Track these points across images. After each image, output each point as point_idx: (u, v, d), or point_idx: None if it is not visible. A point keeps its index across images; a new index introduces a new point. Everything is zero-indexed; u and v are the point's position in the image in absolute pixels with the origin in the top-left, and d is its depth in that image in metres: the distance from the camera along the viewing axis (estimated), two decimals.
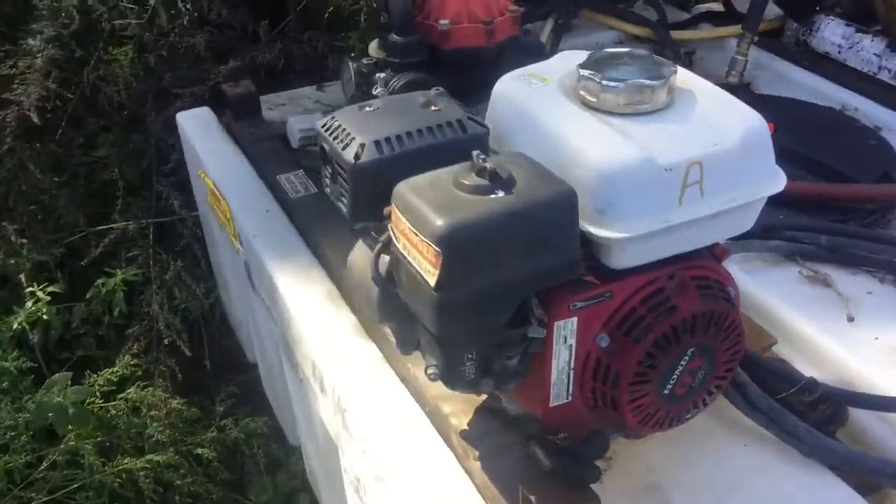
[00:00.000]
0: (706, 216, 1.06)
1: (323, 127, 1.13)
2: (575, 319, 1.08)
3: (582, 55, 1.21)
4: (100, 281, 2.32)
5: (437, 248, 0.91)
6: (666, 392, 1.14)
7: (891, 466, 1.25)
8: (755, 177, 1.08)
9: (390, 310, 1.12)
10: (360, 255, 1.17)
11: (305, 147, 1.98)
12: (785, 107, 2.15)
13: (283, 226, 1.80)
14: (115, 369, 2.14)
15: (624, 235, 1.01)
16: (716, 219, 1.07)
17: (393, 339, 1.17)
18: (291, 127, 1.96)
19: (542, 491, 1.11)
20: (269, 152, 2.03)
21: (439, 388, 1.20)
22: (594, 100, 1.08)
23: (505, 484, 1.17)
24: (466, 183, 0.96)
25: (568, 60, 1.21)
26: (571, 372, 1.12)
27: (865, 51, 2.24)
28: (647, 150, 1.01)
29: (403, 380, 1.41)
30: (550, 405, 1.14)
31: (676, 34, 2.46)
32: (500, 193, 0.95)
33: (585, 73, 1.09)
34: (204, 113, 2.24)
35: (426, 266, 0.94)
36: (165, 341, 2.25)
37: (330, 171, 1.13)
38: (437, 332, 0.96)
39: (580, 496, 1.10)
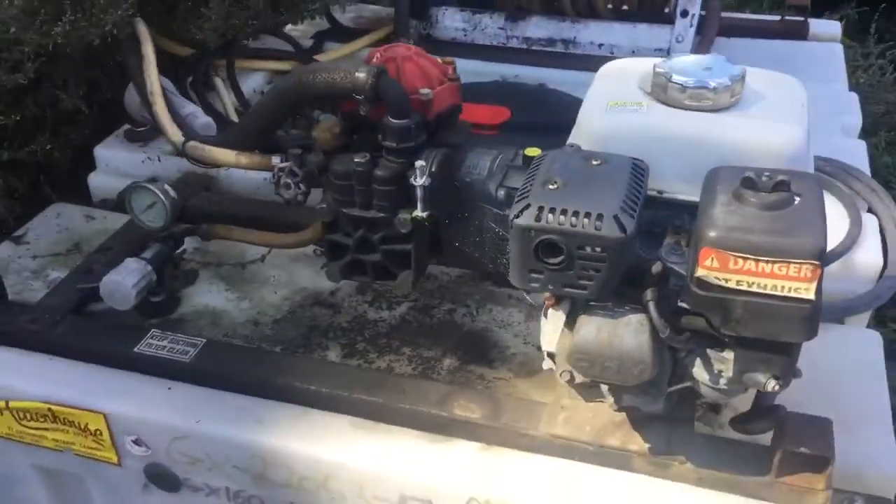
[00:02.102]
0: None
1: (540, 219, 1.03)
2: None
3: (622, 69, 1.30)
4: None
5: (815, 263, 0.97)
6: None
7: None
8: None
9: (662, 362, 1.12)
10: (597, 328, 1.11)
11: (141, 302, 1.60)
12: (491, 91, 2.37)
13: (213, 396, 1.47)
14: None
15: None
16: None
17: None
18: (117, 286, 1.55)
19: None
20: (78, 331, 1.58)
21: None
22: (710, 102, 1.19)
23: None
24: (770, 201, 1.01)
25: (617, 79, 1.29)
26: None
27: (490, 27, 2.58)
28: (797, 124, 1.18)
29: None
30: None
31: (322, 58, 2.48)
32: (798, 199, 1.03)
33: (690, 82, 1.19)
34: None
35: (795, 285, 0.98)
36: None
37: (559, 261, 1.05)
38: (811, 337, 1.02)
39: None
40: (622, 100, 1.23)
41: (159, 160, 2.02)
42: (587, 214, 1.03)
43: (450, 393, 1.41)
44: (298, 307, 1.70)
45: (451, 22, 2.60)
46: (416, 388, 1.43)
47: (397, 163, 1.29)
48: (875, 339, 1.55)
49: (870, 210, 1.83)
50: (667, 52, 2.44)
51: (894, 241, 1.75)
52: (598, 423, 1.33)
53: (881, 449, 1.34)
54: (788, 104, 1.23)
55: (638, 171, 1.12)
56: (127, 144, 2.09)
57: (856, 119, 2.25)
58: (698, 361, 1.14)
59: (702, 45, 2.48)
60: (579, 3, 2.51)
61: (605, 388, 1.22)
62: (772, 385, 1.08)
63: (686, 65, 1.23)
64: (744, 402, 1.25)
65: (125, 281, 1.55)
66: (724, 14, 2.71)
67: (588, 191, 1.07)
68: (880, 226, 1.77)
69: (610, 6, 2.52)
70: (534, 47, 2.56)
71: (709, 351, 1.12)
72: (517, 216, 1.06)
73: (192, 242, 1.81)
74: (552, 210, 1.04)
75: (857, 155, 2.02)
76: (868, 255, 1.70)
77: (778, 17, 2.84)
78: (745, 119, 1.18)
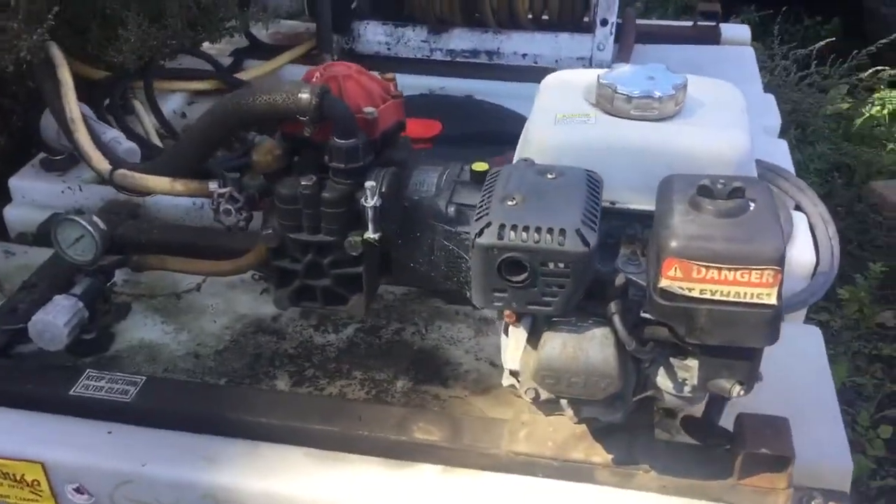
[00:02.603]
0: None
1: (502, 237, 1.02)
2: None
3: (565, 81, 1.30)
4: None
5: (775, 268, 0.98)
6: None
7: None
8: None
9: (627, 374, 1.11)
10: (562, 344, 1.10)
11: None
12: (419, 104, 2.34)
13: (158, 436, 1.40)
14: None
15: None
16: None
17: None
18: (47, 325, 1.47)
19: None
20: (7, 375, 1.49)
21: None
22: (655, 112, 1.20)
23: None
24: (727, 208, 1.02)
25: (562, 91, 1.28)
26: None
27: (413, 41, 2.56)
28: (741, 129, 1.20)
29: None
30: None
31: (243, 76, 2.42)
32: (752, 205, 1.04)
33: (635, 92, 1.19)
34: None
35: (757, 291, 0.99)
36: None
37: (523, 278, 1.03)
38: (773, 341, 1.03)
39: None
40: (569, 112, 1.23)
41: (80, 189, 1.93)
42: (549, 230, 1.02)
43: (407, 416, 1.38)
44: (241, 336, 1.64)
45: (373, 36, 2.57)
46: (372, 414, 1.39)
47: (345, 184, 1.25)
48: (816, 335, 1.59)
49: (797, 208, 1.88)
50: (589, 61, 2.47)
51: (824, 239, 1.80)
52: (559, 437, 1.32)
53: (834, 443, 1.37)
54: (729, 110, 1.25)
55: (593, 182, 1.12)
56: (44, 174, 1.99)
57: (775, 119, 2.32)
58: (662, 371, 1.14)
59: (622, 52, 2.52)
60: (500, 14, 2.51)
61: (564, 401, 1.21)
62: (737, 390, 1.08)
63: (629, 75, 1.24)
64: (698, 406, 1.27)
65: (56, 320, 1.48)
66: (637, 21, 2.76)
67: (547, 205, 1.06)
68: (809, 223, 1.82)
69: (530, 16, 2.53)
70: (458, 59, 2.56)
71: (672, 360, 1.12)
72: (479, 235, 1.04)
73: (122, 274, 1.73)
74: (514, 227, 1.03)
75: (780, 154, 2.08)
76: (801, 253, 1.74)
77: (690, 23, 2.91)
78: (691, 127, 1.19)
